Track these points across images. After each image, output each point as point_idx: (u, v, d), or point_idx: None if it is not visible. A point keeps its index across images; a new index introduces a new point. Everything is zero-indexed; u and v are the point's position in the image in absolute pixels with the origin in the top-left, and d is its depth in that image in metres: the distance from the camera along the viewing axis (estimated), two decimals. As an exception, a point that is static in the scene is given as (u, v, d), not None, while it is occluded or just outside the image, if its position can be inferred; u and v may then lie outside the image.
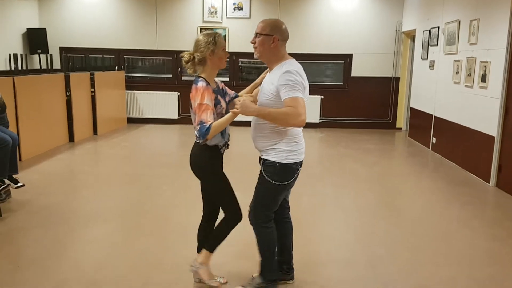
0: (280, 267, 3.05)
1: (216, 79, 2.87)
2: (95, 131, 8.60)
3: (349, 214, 4.60)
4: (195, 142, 2.82)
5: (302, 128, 2.75)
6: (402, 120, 10.06)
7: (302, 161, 2.78)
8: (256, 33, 2.78)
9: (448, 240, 4.01)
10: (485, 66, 5.84)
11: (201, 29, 9.88)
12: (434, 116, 7.66)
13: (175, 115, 10.17)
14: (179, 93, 10.12)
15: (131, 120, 10.11)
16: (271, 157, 2.72)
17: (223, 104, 2.80)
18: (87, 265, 3.35)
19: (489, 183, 5.70)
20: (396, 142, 8.88)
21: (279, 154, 2.69)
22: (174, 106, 10.13)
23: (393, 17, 9.71)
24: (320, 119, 9.96)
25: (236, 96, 2.97)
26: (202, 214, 3.08)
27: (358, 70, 9.94)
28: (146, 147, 8.08)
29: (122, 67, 10.17)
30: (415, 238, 4.02)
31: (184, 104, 10.19)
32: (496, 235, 4.15)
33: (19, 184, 4.75)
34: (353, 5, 9.72)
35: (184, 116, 10.20)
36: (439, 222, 4.46)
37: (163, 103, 10.13)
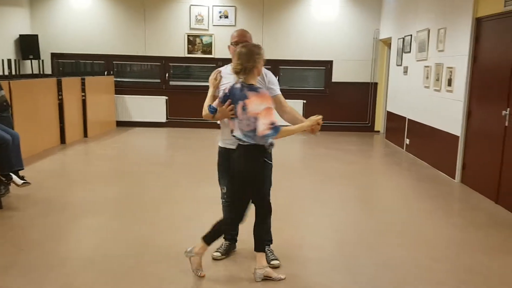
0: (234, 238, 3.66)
1: None
2: (85, 134, 8.93)
3: (324, 205, 5.03)
4: (244, 145, 3.06)
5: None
6: (380, 123, 10.56)
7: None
8: (238, 42, 3.29)
9: (412, 226, 4.45)
10: (450, 71, 6.34)
11: (188, 36, 10.29)
12: (408, 119, 8.16)
13: (163, 119, 10.54)
14: (167, 98, 10.50)
15: (120, 124, 10.44)
16: None
17: None
18: (85, 247, 3.73)
19: (454, 179, 6.17)
20: (374, 144, 9.36)
21: None
22: (162, 109, 10.50)
23: (370, 26, 10.22)
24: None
25: None
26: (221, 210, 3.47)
27: (338, 76, 10.43)
28: (135, 148, 8.45)
29: (112, 72, 10.52)
30: (382, 225, 4.46)
31: (172, 108, 10.56)
32: (455, 223, 4.61)
33: (24, 181, 4.96)
34: (334, 15, 10.21)
35: (172, 120, 10.58)
36: (406, 212, 4.90)
37: (151, 107, 10.49)
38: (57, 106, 8.02)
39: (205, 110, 3.25)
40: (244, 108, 2.99)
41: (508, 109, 5.01)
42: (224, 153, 3.39)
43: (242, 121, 3.02)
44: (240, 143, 3.10)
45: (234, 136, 3.12)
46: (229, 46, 3.40)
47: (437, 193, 5.68)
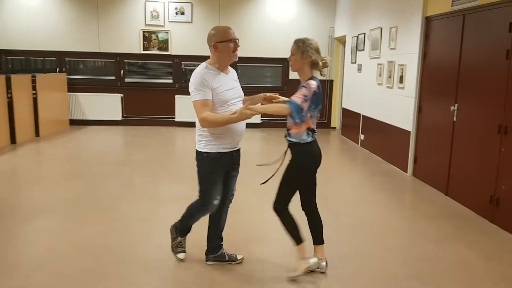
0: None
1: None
2: (37, 133, 8.62)
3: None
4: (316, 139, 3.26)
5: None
6: (336, 119, 10.77)
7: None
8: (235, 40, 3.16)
9: (367, 219, 4.58)
10: (402, 69, 6.55)
11: (143, 32, 10.12)
12: (362, 115, 8.37)
13: (118, 117, 10.32)
14: (122, 95, 10.29)
15: (74, 122, 10.15)
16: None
17: None
18: (37, 249, 3.61)
19: (407, 173, 6.39)
20: (331, 140, 9.54)
21: None
22: (117, 107, 10.28)
23: (326, 24, 10.41)
24: (261, 119, 10.45)
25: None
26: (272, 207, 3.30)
27: (295, 73, 10.50)
28: (90, 147, 8.23)
29: (64, 69, 10.20)
30: (339, 218, 4.56)
31: (128, 106, 10.36)
32: (408, 215, 4.78)
33: None
34: (289, 12, 10.33)
35: (128, 118, 10.38)
36: (362, 205, 5.04)
37: (106, 105, 10.25)
38: (6, 104, 7.70)
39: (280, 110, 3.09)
40: None
41: (456, 104, 5.23)
42: (220, 158, 3.14)
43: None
44: (314, 138, 3.20)
45: (315, 133, 3.17)
46: (215, 45, 3.08)
47: (390, 186, 5.86)
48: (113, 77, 10.38)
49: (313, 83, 3.06)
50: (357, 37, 8.69)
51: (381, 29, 7.42)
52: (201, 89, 2.98)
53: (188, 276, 3.24)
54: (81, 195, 5.10)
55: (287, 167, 3.25)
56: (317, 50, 3.13)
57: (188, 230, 3.49)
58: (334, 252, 3.72)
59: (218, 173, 3.18)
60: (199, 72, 3.04)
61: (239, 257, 3.47)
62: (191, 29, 10.18)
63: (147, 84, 10.44)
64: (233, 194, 3.44)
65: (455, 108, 5.23)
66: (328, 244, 3.87)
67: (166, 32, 10.18)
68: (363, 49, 8.35)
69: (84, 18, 10.04)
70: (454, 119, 5.26)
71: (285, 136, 3.27)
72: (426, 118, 6.02)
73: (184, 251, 3.49)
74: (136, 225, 4.22)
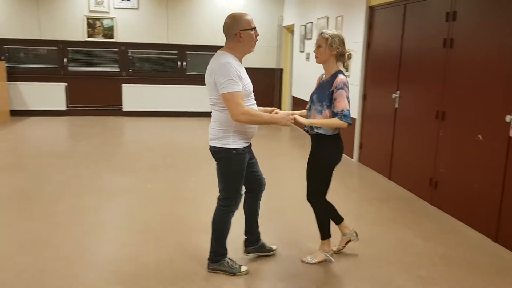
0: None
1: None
2: (-26, 124, 8.20)
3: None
4: None
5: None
6: (286, 108, 10.87)
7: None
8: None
9: (313, 205, 4.67)
10: (348, 57, 6.68)
11: (87, 18, 9.78)
12: (311, 103, 8.49)
13: (62, 107, 9.96)
14: (66, 84, 9.93)
15: (15, 113, 9.71)
16: None
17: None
18: (-26, 246, 3.44)
19: (353, 159, 6.57)
20: (281, 128, 9.63)
21: None
22: (61, 97, 9.91)
23: (274, 13, 10.45)
24: (211, 109, 10.38)
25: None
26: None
27: (245, 62, 10.45)
28: (32, 139, 7.91)
29: (3, 57, 9.70)
30: (286, 204, 4.64)
31: (72, 95, 10.00)
32: (352, 199, 4.93)
33: None
34: (238, 0, 10.27)
35: (73, 108, 10.04)
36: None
37: (49, 94, 9.86)
38: None
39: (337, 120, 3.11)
40: None
41: (398, 92, 5.42)
42: (247, 153, 3.11)
43: None
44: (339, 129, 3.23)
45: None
46: (239, 33, 2.91)
47: (336, 172, 5.93)
48: (56, 66, 9.98)
49: (345, 79, 3.13)
50: (305, 26, 8.79)
51: (328, 18, 7.54)
52: (234, 80, 2.80)
53: (133, 269, 3.19)
54: (23, 189, 4.91)
55: (317, 159, 3.32)
56: (343, 42, 3.15)
57: (225, 246, 3.19)
58: (279, 237, 3.78)
59: (245, 168, 3.11)
60: (228, 61, 2.84)
61: (274, 247, 3.51)
62: (137, 16, 9.92)
63: (92, 73, 10.11)
64: (263, 178, 3.39)
65: (397, 95, 5.42)
66: (275, 231, 3.93)
67: (111, 18, 9.88)
68: (311, 38, 8.45)
69: (23, 3, 9.56)
70: (396, 106, 5.44)
71: (311, 129, 3.23)
72: (371, 105, 6.19)
73: (241, 265, 3.21)
74: (80, 219, 4.11)
